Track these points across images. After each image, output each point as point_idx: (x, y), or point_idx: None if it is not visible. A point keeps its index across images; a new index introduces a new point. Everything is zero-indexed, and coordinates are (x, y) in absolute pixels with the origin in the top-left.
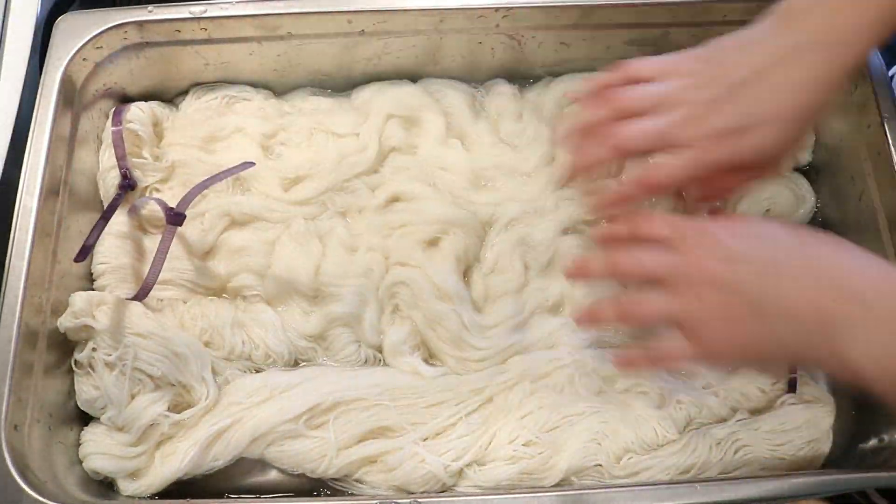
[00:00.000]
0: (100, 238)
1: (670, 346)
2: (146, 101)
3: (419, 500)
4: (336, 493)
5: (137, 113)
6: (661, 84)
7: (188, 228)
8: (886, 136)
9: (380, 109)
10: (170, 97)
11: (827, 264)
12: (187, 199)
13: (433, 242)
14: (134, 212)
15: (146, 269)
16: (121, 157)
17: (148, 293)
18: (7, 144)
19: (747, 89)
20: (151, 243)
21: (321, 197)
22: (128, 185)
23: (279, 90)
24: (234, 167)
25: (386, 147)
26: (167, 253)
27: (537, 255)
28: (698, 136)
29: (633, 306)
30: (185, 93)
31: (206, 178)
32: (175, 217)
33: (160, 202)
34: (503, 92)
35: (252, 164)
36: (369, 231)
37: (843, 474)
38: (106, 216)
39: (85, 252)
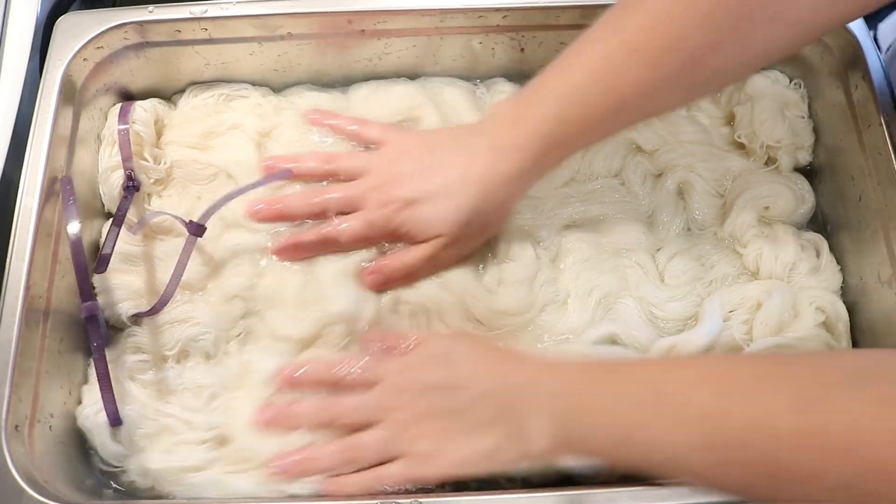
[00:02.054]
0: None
1: (391, 472)
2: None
3: (419, 499)
4: None
5: (141, 113)
6: (373, 155)
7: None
8: (886, 135)
9: (375, 114)
10: (169, 96)
11: (497, 374)
12: (210, 211)
13: None
14: (141, 225)
15: (151, 278)
16: (126, 158)
17: (164, 306)
18: (7, 144)
19: (428, 172)
20: (153, 250)
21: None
22: (133, 186)
23: (279, 90)
24: (265, 178)
25: None
26: (186, 265)
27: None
28: (378, 201)
29: (352, 452)
30: (183, 91)
31: (233, 189)
32: (196, 228)
33: (180, 218)
34: (504, 90)
35: (289, 172)
36: None
37: None
38: (118, 221)
39: (104, 262)
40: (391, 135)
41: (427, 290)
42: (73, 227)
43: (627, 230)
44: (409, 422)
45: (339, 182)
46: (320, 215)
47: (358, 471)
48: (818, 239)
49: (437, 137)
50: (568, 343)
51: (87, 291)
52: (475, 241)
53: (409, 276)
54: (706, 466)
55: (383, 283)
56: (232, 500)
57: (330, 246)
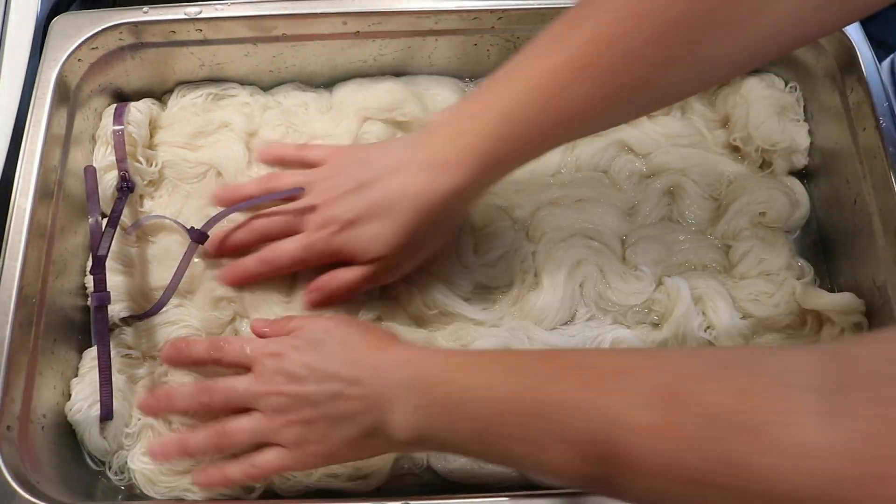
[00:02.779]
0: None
1: (267, 458)
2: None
3: (409, 501)
4: None
5: (136, 114)
6: (312, 172)
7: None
8: (881, 139)
9: (356, 111)
10: (158, 96)
11: (366, 362)
12: (215, 220)
13: None
14: (136, 227)
15: (142, 279)
16: (121, 160)
17: (161, 309)
18: (7, 144)
19: (367, 189)
20: (144, 251)
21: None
22: (127, 187)
23: (269, 89)
24: (279, 192)
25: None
26: (185, 271)
27: None
28: (316, 223)
29: (224, 437)
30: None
31: (241, 202)
32: (199, 236)
33: (181, 224)
34: None
35: (301, 189)
36: None
37: None
38: (113, 223)
39: (99, 262)
40: (329, 152)
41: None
42: (94, 217)
43: (604, 213)
44: (280, 408)
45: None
46: (260, 241)
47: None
48: (807, 266)
49: (373, 152)
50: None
51: (100, 281)
52: (417, 259)
53: (348, 294)
54: (561, 461)
55: (324, 302)
56: (218, 500)
57: (273, 271)
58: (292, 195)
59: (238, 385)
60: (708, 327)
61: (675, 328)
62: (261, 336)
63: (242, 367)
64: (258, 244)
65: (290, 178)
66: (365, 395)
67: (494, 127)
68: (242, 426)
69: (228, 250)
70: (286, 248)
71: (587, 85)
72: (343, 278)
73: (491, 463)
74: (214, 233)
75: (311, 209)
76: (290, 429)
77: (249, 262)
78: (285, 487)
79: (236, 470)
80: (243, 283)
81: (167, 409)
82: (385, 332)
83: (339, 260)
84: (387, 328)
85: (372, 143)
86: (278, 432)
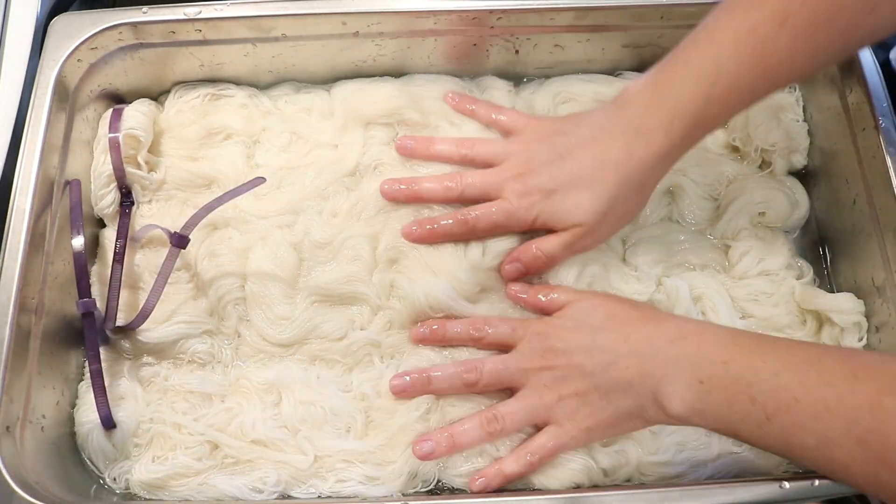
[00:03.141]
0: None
1: (540, 442)
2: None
3: (409, 501)
4: None
5: (139, 117)
6: (508, 142)
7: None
8: (881, 139)
9: (357, 117)
10: (156, 96)
11: (638, 335)
12: (192, 222)
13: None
14: (135, 241)
15: (135, 287)
16: (118, 168)
17: (146, 319)
18: (7, 145)
19: (564, 159)
20: (136, 259)
21: (297, 205)
22: (129, 202)
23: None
24: (242, 185)
25: (368, 157)
26: (168, 276)
27: None
28: (517, 191)
29: (494, 424)
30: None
31: (212, 199)
32: (179, 240)
33: (164, 229)
34: (496, 87)
35: (263, 180)
36: (349, 220)
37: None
38: (119, 258)
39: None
40: (524, 122)
41: None
42: (77, 229)
43: None
44: (551, 383)
45: (473, 168)
46: (455, 201)
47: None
48: (806, 266)
49: (570, 123)
50: None
51: (84, 288)
52: (614, 228)
53: (547, 264)
54: (857, 464)
55: (522, 273)
56: (226, 502)
57: (466, 233)
58: (255, 184)
59: (508, 362)
60: None
61: None
62: (519, 302)
63: (505, 347)
64: (447, 203)
65: (489, 147)
66: (640, 366)
67: (701, 88)
68: (513, 408)
69: (413, 199)
70: (487, 212)
71: (790, 40)
72: (543, 247)
73: (766, 449)
74: (407, 180)
75: (512, 178)
76: (564, 403)
77: (447, 222)
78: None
79: (514, 464)
80: (432, 242)
81: (423, 390)
82: (651, 308)
83: (535, 228)
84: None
85: (563, 115)
86: (551, 408)
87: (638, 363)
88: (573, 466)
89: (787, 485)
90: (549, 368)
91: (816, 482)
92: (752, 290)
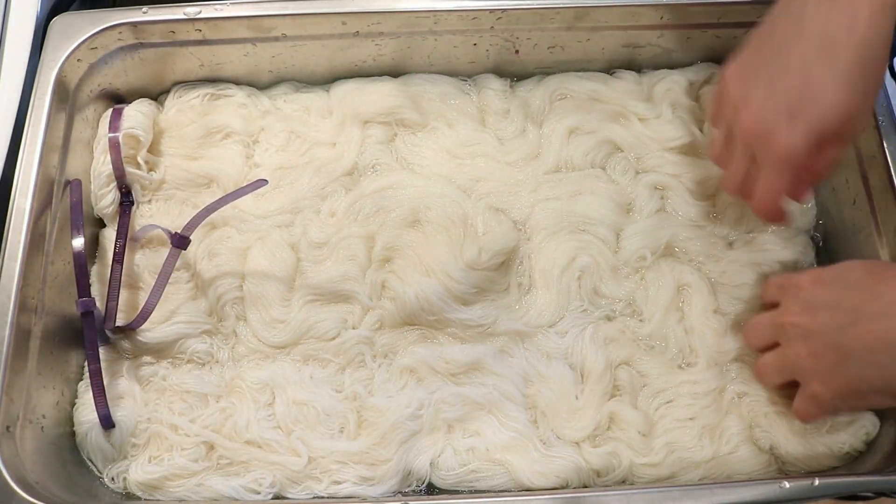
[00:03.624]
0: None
1: (797, 406)
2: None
3: (409, 501)
4: None
5: (139, 117)
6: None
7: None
8: (881, 140)
9: (355, 116)
10: (155, 96)
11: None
12: (193, 223)
13: (415, 222)
14: (134, 241)
15: (135, 287)
16: (118, 168)
17: (146, 319)
18: (7, 144)
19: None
20: (138, 259)
21: (295, 205)
22: (129, 202)
23: (267, 89)
24: (245, 187)
25: (366, 156)
26: (169, 277)
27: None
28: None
29: (760, 372)
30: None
31: (213, 199)
32: (180, 240)
33: (164, 229)
34: (493, 87)
35: (265, 181)
36: (347, 220)
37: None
38: (118, 259)
39: (113, 295)
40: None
41: None
42: (77, 229)
43: (599, 206)
44: (797, 337)
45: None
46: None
47: None
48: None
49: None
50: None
51: (84, 288)
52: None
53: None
54: None
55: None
56: (223, 501)
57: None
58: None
59: (771, 314)
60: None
61: (660, 323)
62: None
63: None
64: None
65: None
66: (885, 332)
67: None
68: (766, 361)
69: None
70: (783, 135)
71: None
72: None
73: None
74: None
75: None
76: (803, 362)
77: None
78: None
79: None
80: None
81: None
82: None
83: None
84: None
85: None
86: (794, 367)
87: (884, 326)
88: (559, 463)
89: (787, 484)
90: (794, 325)
91: (816, 482)
92: (745, 286)
